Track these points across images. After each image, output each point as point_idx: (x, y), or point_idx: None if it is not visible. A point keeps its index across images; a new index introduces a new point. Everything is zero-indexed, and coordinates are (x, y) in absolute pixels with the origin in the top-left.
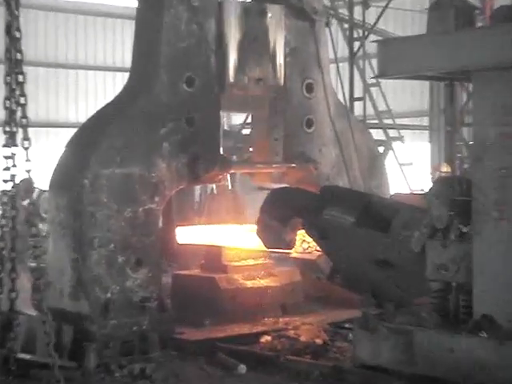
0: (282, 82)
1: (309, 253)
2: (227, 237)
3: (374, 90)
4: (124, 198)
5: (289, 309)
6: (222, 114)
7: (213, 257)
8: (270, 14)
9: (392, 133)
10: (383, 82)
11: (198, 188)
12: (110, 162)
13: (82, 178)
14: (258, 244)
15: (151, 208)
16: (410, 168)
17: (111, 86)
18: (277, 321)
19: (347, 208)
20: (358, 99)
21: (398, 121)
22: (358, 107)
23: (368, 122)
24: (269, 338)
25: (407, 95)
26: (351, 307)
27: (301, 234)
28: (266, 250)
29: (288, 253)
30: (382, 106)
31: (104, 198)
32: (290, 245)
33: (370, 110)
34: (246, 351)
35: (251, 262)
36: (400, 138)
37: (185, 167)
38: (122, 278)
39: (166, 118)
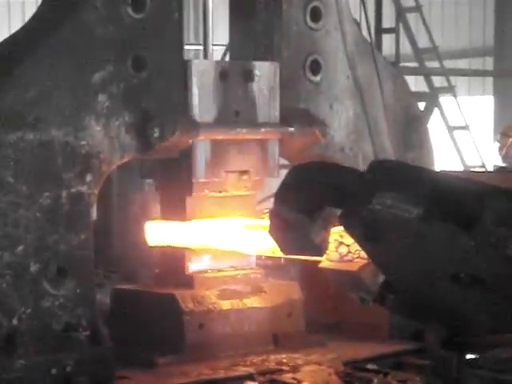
0: None
1: (348, 261)
2: (213, 236)
3: (411, 16)
4: (39, 176)
5: (284, 341)
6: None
7: (172, 263)
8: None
9: (439, 81)
10: (426, 4)
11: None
12: (18, 124)
13: None
14: (256, 248)
15: (80, 191)
16: (465, 133)
17: (19, 13)
18: (267, 359)
19: (410, 194)
20: (389, 31)
21: (448, 63)
22: (387, 43)
23: (403, 65)
24: None
25: (462, 25)
26: (374, 339)
27: (336, 233)
28: (283, 256)
29: (317, 261)
30: (423, 42)
31: (8, 177)
32: (320, 249)
33: (407, 48)
34: None
35: (230, 271)
36: (451, 90)
37: (131, 131)
38: (35, 296)
39: (101, 57)
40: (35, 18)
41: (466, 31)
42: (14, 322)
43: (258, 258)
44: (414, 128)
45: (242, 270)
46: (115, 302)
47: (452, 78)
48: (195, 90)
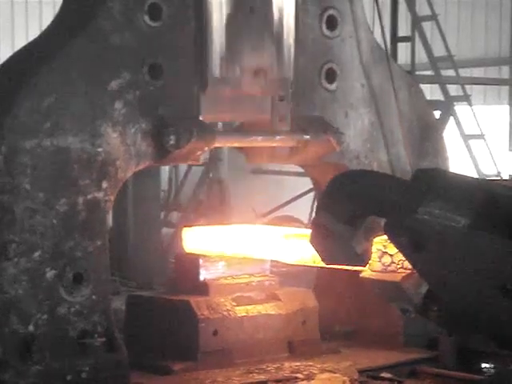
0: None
1: (391, 271)
2: (252, 244)
3: (427, 25)
4: (56, 183)
5: (299, 349)
6: None
7: (186, 270)
8: None
9: (454, 90)
10: (442, 13)
11: (165, 170)
12: (34, 131)
13: None
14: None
15: (97, 198)
16: (481, 142)
17: (36, 19)
18: (281, 366)
19: (458, 204)
20: (404, 39)
21: (464, 72)
22: (403, 51)
23: (418, 73)
24: None
25: (478, 34)
26: (388, 347)
27: (380, 243)
28: (325, 266)
29: (359, 270)
30: (439, 50)
31: (25, 184)
32: (362, 259)
33: (422, 56)
34: None
35: (244, 278)
36: (466, 98)
37: (147, 138)
38: (51, 303)
39: (118, 65)
40: (53, 24)
41: (481, 40)
42: (31, 328)
43: (273, 265)
44: (430, 136)
45: (257, 277)
46: (131, 309)
47: (467, 87)
48: None
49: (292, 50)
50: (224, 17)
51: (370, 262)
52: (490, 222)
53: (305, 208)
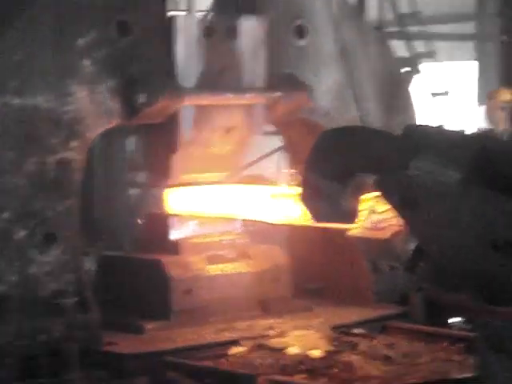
0: None
1: (380, 229)
2: (238, 205)
3: None
4: (24, 142)
5: (271, 306)
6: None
7: (156, 229)
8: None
9: (419, 46)
10: None
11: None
12: (1, 89)
13: None
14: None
15: (66, 157)
16: (445, 99)
17: None
18: (254, 324)
19: (450, 158)
20: None
21: (429, 28)
22: (370, 8)
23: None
24: (242, 349)
25: None
26: (361, 304)
27: (368, 201)
28: (316, 224)
29: (347, 228)
30: (404, 7)
31: None
32: (350, 216)
33: (388, 13)
34: (208, 369)
35: (216, 237)
36: (431, 54)
37: (116, 97)
38: (22, 263)
39: (85, 21)
40: None
41: None
42: (1, 288)
43: (244, 223)
44: (399, 93)
45: (228, 235)
46: (102, 270)
47: (434, 43)
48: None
49: None
50: None
51: (358, 219)
52: (482, 176)
53: (272, 168)
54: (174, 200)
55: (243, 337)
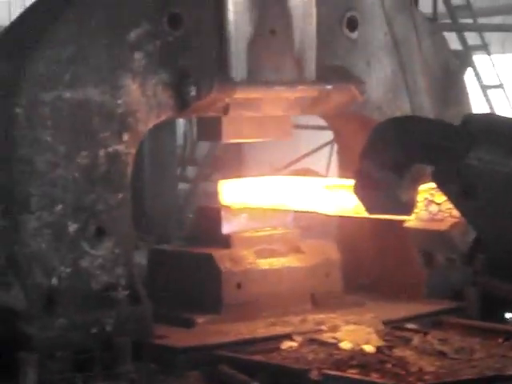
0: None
1: (439, 220)
2: (292, 196)
3: None
4: (76, 136)
5: (322, 301)
6: None
7: (208, 222)
8: None
9: (472, 39)
10: None
11: (181, 123)
12: (54, 82)
13: (10, 107)
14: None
15: (118, 151)
16: (499, 92)
17: None
18: (305, 318)
19: (508, 148)
20: None
21: (482, 20)
22: (424, 0)
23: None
24: (294, 343)
25: None
26: (413, 299)
27: (426, 192)
28: (368, 216)
29: (403, 220)
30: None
31: (46, 137)
32: (408, 208)
33: (440, 6)
34: (260, 363)
35: (267, 231)
36: (484, 47)
37: (167, 90)
38: (74, 256)
39: (137, 15)
40: None
41: None
42: (54, 281)
43: (295, 218)
44: (452, 85)
45: (280, 229)
46: (153, 263)
47: (487, 35)
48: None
49: None
50: None
51: (415, 210)
52: None
53: (321, 162)
54: (227, 192)
55: (295, 331)
